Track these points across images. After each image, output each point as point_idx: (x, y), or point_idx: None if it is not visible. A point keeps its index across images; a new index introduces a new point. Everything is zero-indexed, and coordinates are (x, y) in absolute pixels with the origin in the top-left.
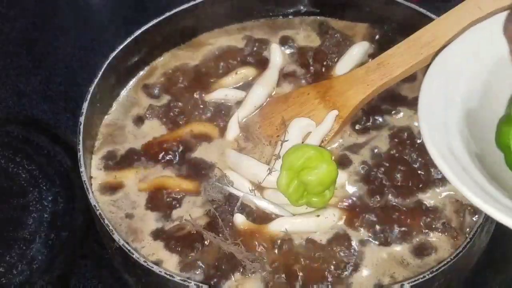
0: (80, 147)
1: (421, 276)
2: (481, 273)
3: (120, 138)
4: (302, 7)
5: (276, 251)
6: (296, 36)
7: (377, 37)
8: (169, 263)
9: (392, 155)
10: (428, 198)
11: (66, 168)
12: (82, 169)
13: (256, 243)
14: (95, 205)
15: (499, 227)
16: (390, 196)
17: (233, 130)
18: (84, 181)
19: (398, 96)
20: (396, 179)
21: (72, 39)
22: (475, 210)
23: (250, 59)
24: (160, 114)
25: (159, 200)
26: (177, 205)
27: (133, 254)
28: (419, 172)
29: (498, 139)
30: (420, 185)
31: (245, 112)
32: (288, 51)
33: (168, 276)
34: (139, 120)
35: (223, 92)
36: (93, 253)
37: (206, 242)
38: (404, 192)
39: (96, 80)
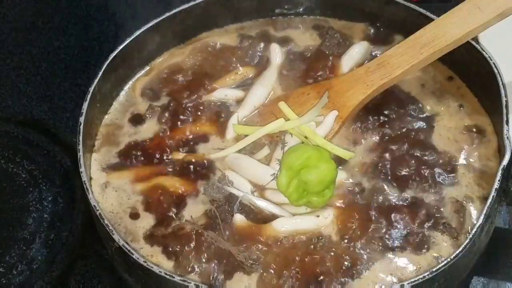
0: (80, 147)
1: (421, 276)
2: (481, 273)
3: (120, 138)
4: (302, 7)
5: (276, 251)
6: (296, 36)
7: (377, 37)
8: (168, 263)
9: (393, 155)
10: (429, 198)
11: (66, 168)
12: (82, 169)
13: (256, 243)
14: (95, 205)
15: (499, 227)
16: (390, 196)
17: (233, 130)
18: (84, 181)
19: (400, 96)
20: (397, 179)
21: (72, 39)
22: (476, 211)
23: (250, 59)
24: (160, 114)
25: (159, 200)
26: (177, 205)
27: (132, 254)
28: (419, 172)
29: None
30: (421, 186)
31: (245, 112)
32: (288, 51)
33: (167, 276)
34: (139, 120)
35: (223, 92)
36: (93, 253)
37: (205, 242)
38: (405, 192)
39: (96, 80)
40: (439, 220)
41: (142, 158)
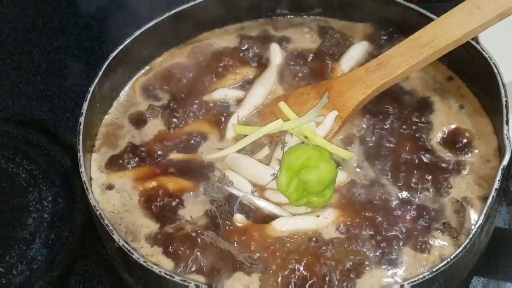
0: (80, 147)
1: (421, 276)
2: (481, 273)
3: (120, 138)
4: (302, 7)
5: (276, 251)
6: (296, 36)
7: (376, 37)
8: (168, 263)
9: (393, 155)
10: (429, 198)
11: (66, 168)
12: (82, 169)
13: (256, 243)
14: (95, 205)
15: (499, 227)
16: (390, 196)
17: (233, 130)
18: (84, 181)
19: (400, 96)
20: (397, 179)
21: (72, 39)
22: (476, 211)
23: (250, 59)
24: (160, 114)
25: (159, 200)
26: (177, 205)
27: (132, 254)
28: (419, 172)
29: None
30: (421, 185)
31: (245, 112)
32: (288, 51)
33: (167, 276)
34: (139, 120)
35: (222, 92)
36: (93, 253)
37: (205, 242)
38: (405, 192)
39: (96, 80)
40: (439, 220)
41: (142, 158)
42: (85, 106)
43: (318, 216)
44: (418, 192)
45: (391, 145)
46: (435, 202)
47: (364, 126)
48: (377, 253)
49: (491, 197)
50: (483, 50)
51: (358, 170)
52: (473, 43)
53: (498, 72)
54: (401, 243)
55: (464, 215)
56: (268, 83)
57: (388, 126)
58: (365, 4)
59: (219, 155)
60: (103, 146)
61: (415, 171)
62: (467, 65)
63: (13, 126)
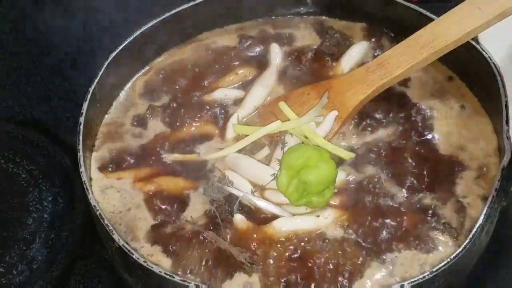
0: (80, 147)
1: (421, 276)
2: (481, 273)
3: (120, 138)
4: (302, 7)
5: (275, 251)
6: (296, 36)
7: (376, 37)
8: (168, 263)
9: (394, 155)
10: (429, 198)
11: (66, 168)
12: (82, 169)
13: (256, 243)
14: (95, 205)
15: (499, 228)
16: (391, 196)
17: (233, 130)
18: (84, 181)
19: (400, 95)
20: (398, 179)
21: (72, 39)
22: (476, 211)
23: (250, 59)
24: (160, 114)
25: (159, 200)
26: (177, 205)
27: (132, 254)
28: (420, 172)
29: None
30: (421, 185)
31: (245, 112)
32: (288, 51)
33: (168, 276)
34: (139, 120)
35: (223, 92)
36: (93, 253)
37: (205, 242)
38: (405, 192)
39: (96, 80)
40: (439, 220)
41: (142, 158)
42: (85, 106)
43: (318, 216)
44: (418, 192)
45: (391, 145)
46: (435, 202)
47: (364, 126)
48: (377, 253)
49: (491, 197)
50: (483, 50)
51: (358, 170)
52: (473, 43)
53: (498, 72)
54: (401, 243)
55: (464, 215)
56: (268, 83)
57: (388, 126)
58: (365, 4)
59: (219, 155)
60: (103, 146)
61: (415, 171)
62: (467, 65)
63: (13, 126)
